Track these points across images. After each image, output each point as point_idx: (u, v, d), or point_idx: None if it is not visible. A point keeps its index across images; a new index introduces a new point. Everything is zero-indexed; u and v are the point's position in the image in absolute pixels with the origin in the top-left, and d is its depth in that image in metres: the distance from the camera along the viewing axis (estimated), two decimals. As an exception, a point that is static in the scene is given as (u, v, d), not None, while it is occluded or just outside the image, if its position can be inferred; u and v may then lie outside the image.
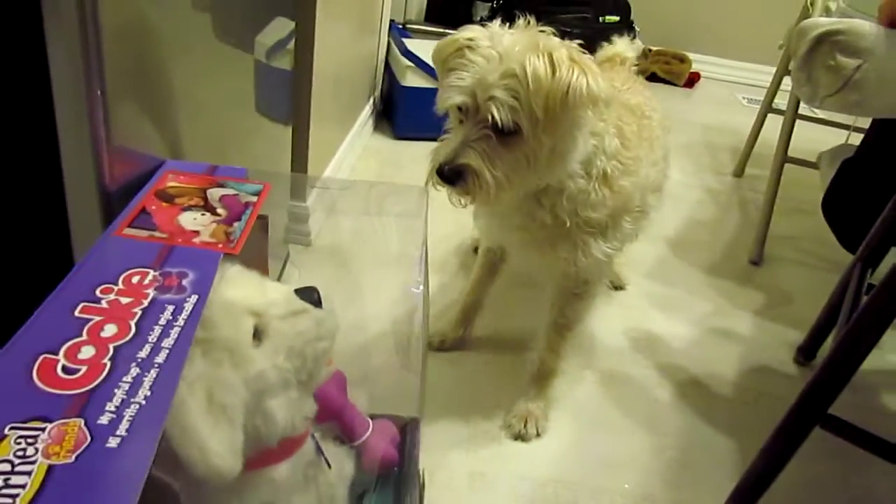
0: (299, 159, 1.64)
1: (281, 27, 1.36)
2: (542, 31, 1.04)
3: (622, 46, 1.56)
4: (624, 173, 1.15)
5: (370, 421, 0.94)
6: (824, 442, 1.10)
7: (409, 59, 2.38)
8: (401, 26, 2.76)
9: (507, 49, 0.99)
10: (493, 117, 0.98)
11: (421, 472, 0.98)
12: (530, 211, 1.15)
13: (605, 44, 1.60)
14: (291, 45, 1.43)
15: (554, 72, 0.96)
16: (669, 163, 1.62)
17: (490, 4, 3.03)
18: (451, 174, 1.02)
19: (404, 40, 2.50)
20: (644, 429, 1.40)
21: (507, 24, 1.06)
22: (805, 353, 1.66)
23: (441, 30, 2.95)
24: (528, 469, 1.26)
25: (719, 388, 1.55)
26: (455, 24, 3.40)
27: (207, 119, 1.03)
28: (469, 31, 1.05)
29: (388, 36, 2.58)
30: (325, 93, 1.78)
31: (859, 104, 1.14)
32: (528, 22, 1.05)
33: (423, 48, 2.43)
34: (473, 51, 1.01)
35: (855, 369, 1.02)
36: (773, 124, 2.30)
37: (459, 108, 1.04)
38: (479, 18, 3.02)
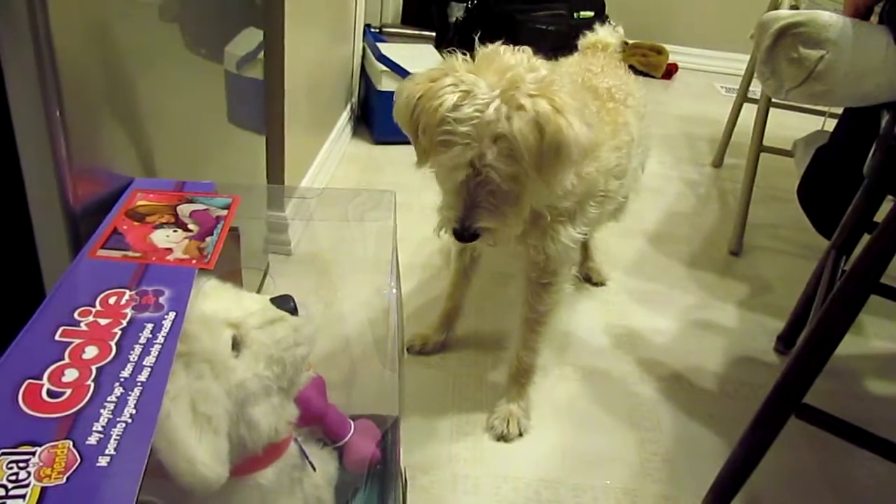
0: (275, 168, 1.64)
1: (251, 37, 1.36)
2: (505, 54, 1.04)
3: (603, 33, 1.61)
4: (590, 159, 1.16)
5: (352, 422, 0.96)
6: (806, 431, 1.11)
7: (384, 64, 2.38)
8: (376, 30, 2.76)
9: (488, 105, 0.97)
10: (494, 181, 1.01)
11: (403, 470, 0.99)
12: None
13: (587, 32, 1.63)
14: (262, 54, 1.43)
15: (543, 135, 0.97)
16: (647, 152, 1.63)
17: (465, 5, 3.04)
18: (470, 237, 1.06)
19: (378, 44, 2.50)
20: (626, 424, 1.40)
21: (467, 49, 1.06)
22: (785, 341, 1.67)
23: (417, 32, 2.96)
24: (510, 469, 1.27)
25: (701, 381, 1.56)
26: (431, 26, 3.38)
27: (178, 132, 1.03)
28: (445, 95, 1.00)
29: (363, 41, 2.58)
30: (300, 101, 1.78)
31: (825, 94, 1.15)
32: (486, 44, 1.06)
33: (398, 52, 2.44)
34: (458, 111, 0.99)
35: (827, 358, 1.03)
36: (751, 113, 2.30)
37: None
38: (454, 20, 3.02)
